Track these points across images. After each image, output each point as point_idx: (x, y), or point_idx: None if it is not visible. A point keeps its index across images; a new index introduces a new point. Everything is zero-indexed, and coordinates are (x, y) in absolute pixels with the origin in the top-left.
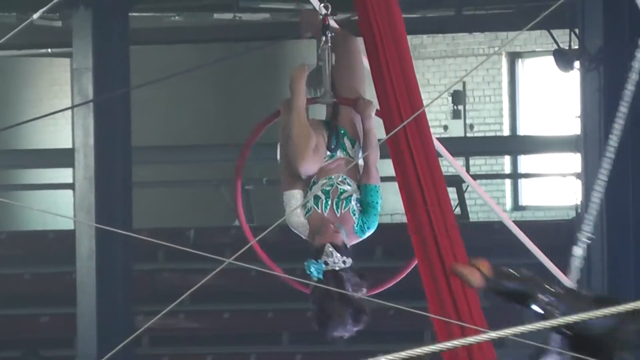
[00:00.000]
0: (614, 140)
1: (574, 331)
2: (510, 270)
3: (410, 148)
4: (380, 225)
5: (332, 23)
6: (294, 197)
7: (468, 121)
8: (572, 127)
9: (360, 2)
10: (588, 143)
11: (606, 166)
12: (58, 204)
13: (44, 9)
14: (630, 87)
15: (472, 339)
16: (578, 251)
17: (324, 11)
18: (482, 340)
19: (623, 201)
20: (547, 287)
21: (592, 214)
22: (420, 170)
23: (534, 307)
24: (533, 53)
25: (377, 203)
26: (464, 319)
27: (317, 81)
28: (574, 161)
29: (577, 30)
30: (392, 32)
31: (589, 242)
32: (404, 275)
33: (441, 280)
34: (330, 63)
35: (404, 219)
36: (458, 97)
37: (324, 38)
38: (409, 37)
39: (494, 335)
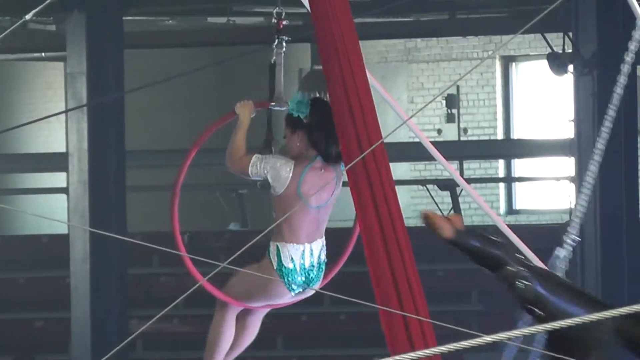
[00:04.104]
0: (601, 143)
1: (545, 312)
2: (484, 233)
3: (369, 177)
4: None
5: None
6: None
7: (462, 125)
8: (566, 130)
9: (320, 34)
10: (582, 147)
11: (594, 169)
12: (52, 208)
13: (37, 9)
14: (619, 91)
15: (466, 343)
16: (562, 252)
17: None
18: (477, 344)
19: (615, 204)
20: (519, 257)
21: (578, 216)
22: (378, 200)
23: (500, 276)
24: (527, 57)
25: None
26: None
27: (313, 85)
28: (567, 165)
29: (571, 34)
30: (353, 64)
31: (574, 244)
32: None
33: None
34: (282, 68)
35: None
36: (452, 101)
37: (276, 42)
38: (403, 41)
39: (488, 339)
